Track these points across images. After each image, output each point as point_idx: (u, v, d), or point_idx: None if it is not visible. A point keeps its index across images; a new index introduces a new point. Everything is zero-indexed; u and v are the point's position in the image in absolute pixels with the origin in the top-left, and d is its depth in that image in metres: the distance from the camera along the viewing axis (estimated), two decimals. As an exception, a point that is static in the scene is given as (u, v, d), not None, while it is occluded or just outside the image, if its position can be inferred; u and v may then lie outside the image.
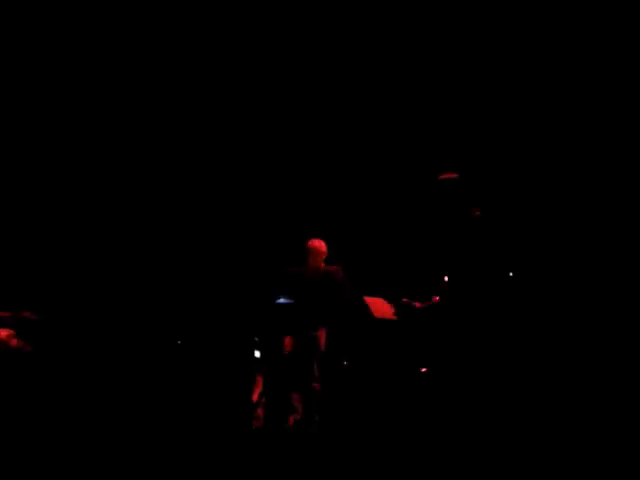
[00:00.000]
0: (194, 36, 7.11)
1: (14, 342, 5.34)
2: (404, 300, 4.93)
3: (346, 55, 7.08)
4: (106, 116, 7.37)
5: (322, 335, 5.57)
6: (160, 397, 6.35)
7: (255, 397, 5.81)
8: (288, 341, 5.69)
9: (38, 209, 7.24)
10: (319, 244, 5.85)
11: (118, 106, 7.36)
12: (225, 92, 7.42)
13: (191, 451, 5.20)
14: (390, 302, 5.27)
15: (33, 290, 6.66)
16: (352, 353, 5.99)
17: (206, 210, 7.54)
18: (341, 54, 7.08)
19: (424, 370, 4.63)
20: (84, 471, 4.49)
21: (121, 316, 7.16)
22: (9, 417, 4.95)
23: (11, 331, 5.32)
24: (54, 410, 5.36)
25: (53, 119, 7.27)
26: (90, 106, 7.31)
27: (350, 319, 5.70)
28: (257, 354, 5.97)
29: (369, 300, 5.46)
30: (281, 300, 5.79)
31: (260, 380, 5.87)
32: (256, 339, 6.05)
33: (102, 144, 7.41)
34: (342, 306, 5.61)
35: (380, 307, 5.45)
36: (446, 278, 4.59)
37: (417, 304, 4.85)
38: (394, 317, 5.21)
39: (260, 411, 5.76)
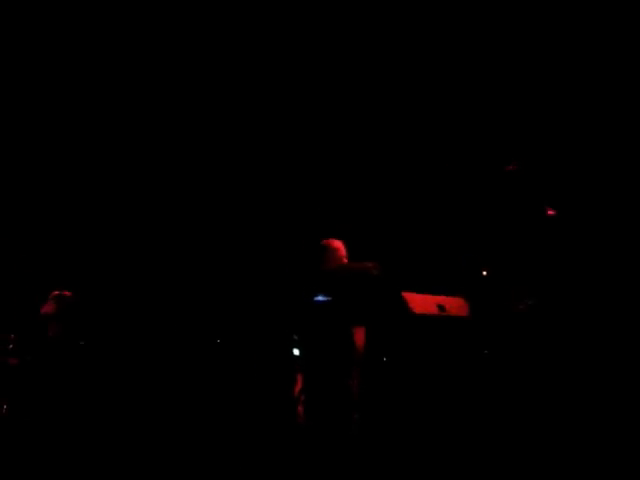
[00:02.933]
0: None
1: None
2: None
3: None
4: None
5: (360, 333, 5.50)
6: (201, 395, 6.37)
7: (295, 395, 5.77)
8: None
9: (75, 207, 7.32)
10: (336, 243, 5.77)
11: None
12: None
13: (233, 448, 5.20)
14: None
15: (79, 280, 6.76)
16: (392, 351, 5.90)
17: (242, 207, 7.54)
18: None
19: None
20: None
21: (162, 314, 7.20)
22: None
23: None
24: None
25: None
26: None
27: (389, 316, 5.62)
28: (296, 352, 5.92)
29: (409, 296, 5.38)
30: (319, 298, 5.74)
31: (300, 378, 5.82)
32: (295, 337, 6.01)
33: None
34: (380, 303, 5.53)
35: (421, 303, 5.37)
36: (485, 272, 4.49)
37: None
38: (437, 312, 5.13)
39: (300, 409, 5.72)
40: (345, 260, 5.74)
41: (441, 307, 5.35)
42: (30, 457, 4.87)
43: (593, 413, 4.66)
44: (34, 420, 5.58)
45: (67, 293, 6.20)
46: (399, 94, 7.13)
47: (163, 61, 7.26)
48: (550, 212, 4.51)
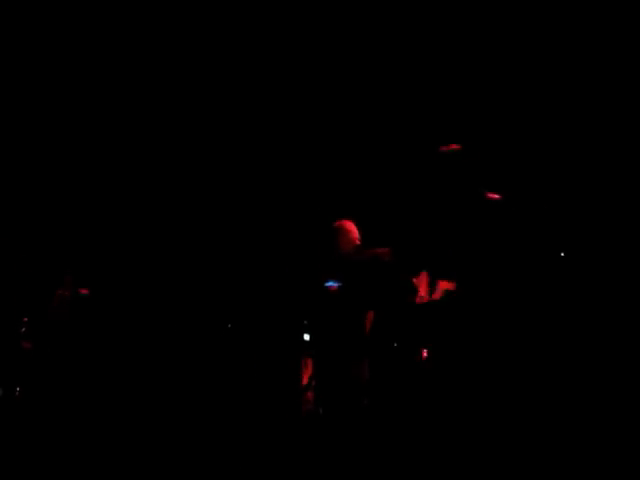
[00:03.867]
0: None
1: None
2: None
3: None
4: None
5: (371, 319, 5.49)
6: (212, 379, 6.40)
7: (305, 381, 5.79)
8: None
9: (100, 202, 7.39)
10: (348, 224, 5.74)
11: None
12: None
13: (242, 432, 5.22)
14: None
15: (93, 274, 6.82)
16: (403, 336, 5.90)
17: (255, 193, 7.55)
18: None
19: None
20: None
21: (173, 300, 7.24)
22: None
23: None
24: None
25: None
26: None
27: (400, 302, 5.60)
28: (306, 337, 5.94)
29: (419, 282, 5.38)
30: (330, 283, 5.73)
31: (310, 363, 5.83)
32: (305, 322, 6.02)
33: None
34: (392, 289, 5.52)
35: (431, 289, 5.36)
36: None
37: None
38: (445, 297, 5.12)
39: (310, 394, 5.73)
40: (357, 242, 5.71)
41: (449, 292, 5.32)
42: (40, 440, 4.92)
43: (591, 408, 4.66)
44: (46, 403, 5.65)
45: (84, 291, 6.31)
46: (406, 87, 7.10)
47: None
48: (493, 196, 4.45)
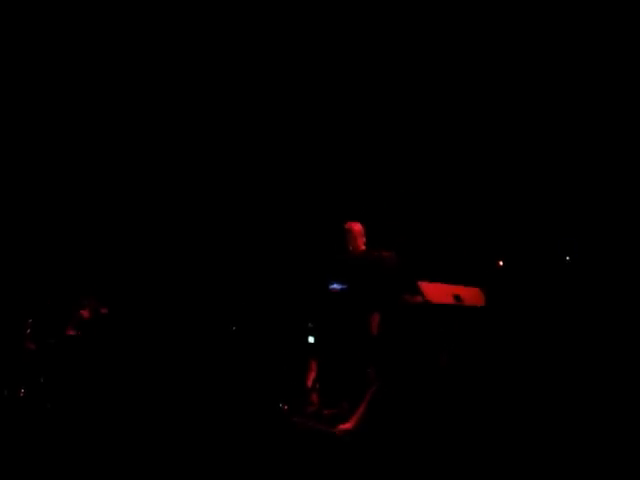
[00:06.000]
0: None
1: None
2: None
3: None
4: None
5: (375, 320, 5.50)
6: (216, 381, 6.40)
7: (309, 383, 5.78)
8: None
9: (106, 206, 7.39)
10: (357, 226, 5.78)
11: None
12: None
13: (247, 435, 5.22)
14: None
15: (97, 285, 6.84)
16: (408, 339, 5.90)
17: (253, 197, 7.56)
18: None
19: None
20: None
21: (178, 304, 7.24)
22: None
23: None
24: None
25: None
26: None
27: (405, 305, 5.60)
28: (311, 339, 5.93)
29: (424, 285, 5.38)
30: (334, 285, 5.74)
31: (314, 365, 5.83)
32: (310, 324, 6.02)
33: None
34: (396, 291, 5.52)
35: (437, 292, 5.36)
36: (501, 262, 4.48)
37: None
38: (453, 302, 5.13)
39: (315, 396, 5.73)
40: (363, 244, 5.74)
41: (457, 297, 5.34)
42: (43, 440, 4.92)
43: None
44: (49, 404, 5.65)
45: (104, 310, 6.40)
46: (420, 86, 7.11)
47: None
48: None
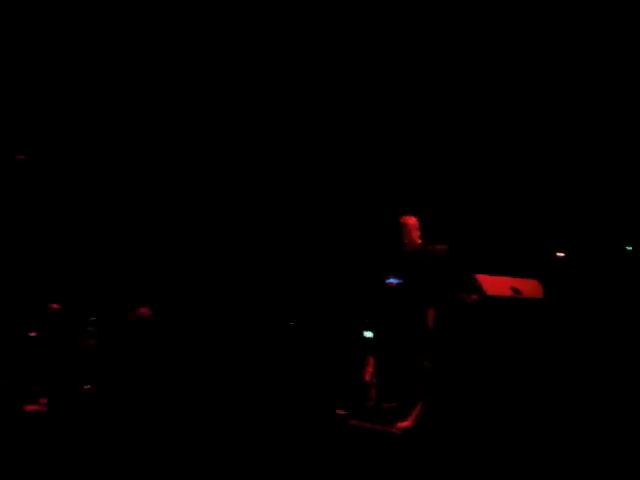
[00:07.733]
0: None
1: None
2: None
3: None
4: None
5: (431, 315, 5.46)
6: (275, 377, 6.45)
7: (367, 377, 5.77)
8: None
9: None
10: (412, 220, 5.74)
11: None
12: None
13: (307, 431, 5.24)
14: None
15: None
16: (465, 332, 5.83)
17: (316, 189, 7.58)
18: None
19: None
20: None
21: (237, 299, 7.32)
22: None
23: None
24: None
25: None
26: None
27: (462, 298, 5.54)
28: (368, 334, 5.92)
29: (482, 278, 5.34)
30: (391, 280, 5.72)
31: (372, 360, 5.82)
32: (367, 319, 6.00)
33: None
34: (451, 285, 5.47)
35: (494, 284, 5.31)
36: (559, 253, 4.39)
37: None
38: (510, 294, 5.07)
39: (373, 391, 5.72)
40: (418, 238, 5.70)
41: (515, 289, 5.26)
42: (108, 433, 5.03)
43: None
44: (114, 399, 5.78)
45: (144, 310, 6.54)
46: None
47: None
48: None
